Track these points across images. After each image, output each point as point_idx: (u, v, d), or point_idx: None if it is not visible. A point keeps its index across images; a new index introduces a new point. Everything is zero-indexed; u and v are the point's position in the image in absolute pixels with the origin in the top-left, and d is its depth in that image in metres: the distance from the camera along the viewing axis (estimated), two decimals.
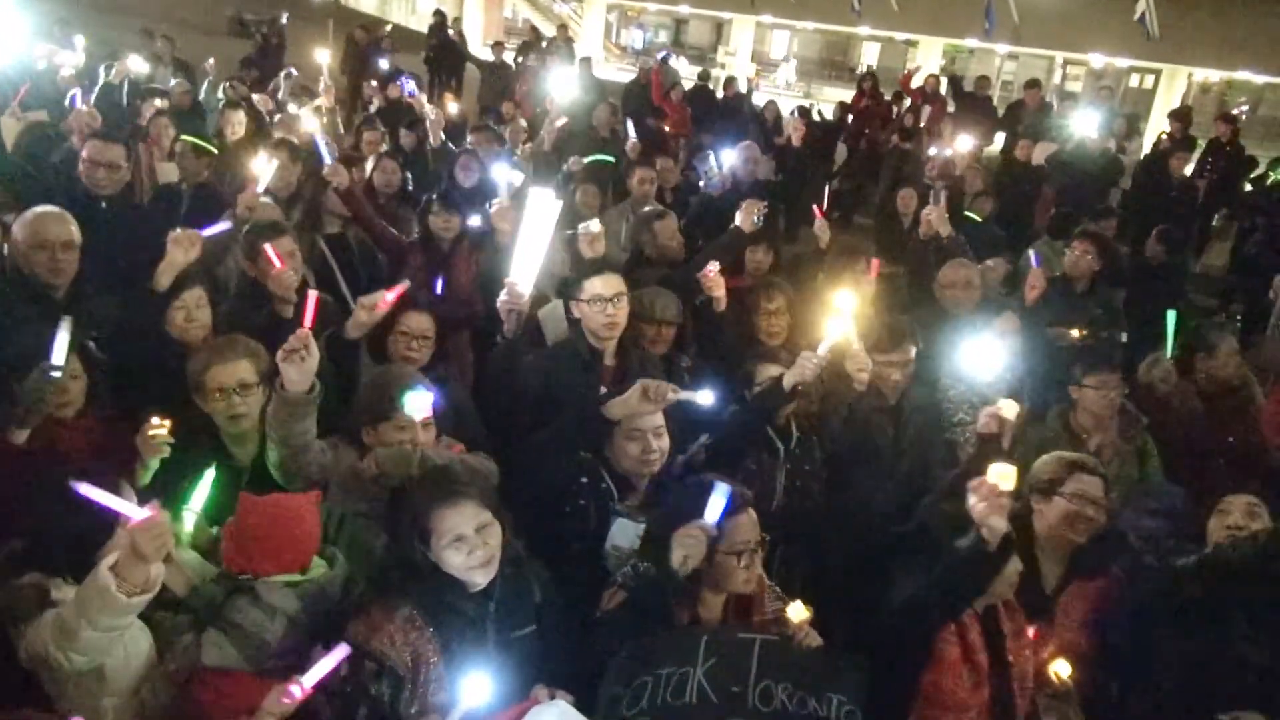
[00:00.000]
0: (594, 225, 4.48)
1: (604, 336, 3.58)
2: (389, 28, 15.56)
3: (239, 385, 2.95)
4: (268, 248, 3.67)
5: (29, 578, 2.32)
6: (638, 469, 3.00)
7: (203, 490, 2.73)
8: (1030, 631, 2.88)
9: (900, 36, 28.94)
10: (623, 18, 37.07)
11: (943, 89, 13.82)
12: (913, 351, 3.82)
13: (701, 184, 6.06)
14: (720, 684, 2.46)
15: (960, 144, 8.36)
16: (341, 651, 2.14)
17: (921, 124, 12.38)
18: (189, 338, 3.47)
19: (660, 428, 3.01)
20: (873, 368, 3.48)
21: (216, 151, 5.84)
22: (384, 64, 11.42)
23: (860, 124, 12.85)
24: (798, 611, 2.59)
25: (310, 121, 6.48)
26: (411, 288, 4.74)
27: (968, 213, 7.14)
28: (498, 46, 14.47)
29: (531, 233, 3.28)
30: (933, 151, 9.03)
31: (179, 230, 3.60)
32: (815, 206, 5.96)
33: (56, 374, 2.70)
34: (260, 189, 4.49)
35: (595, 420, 2.95)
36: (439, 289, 4.79)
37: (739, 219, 4.76)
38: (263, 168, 4.59)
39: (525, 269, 3.30)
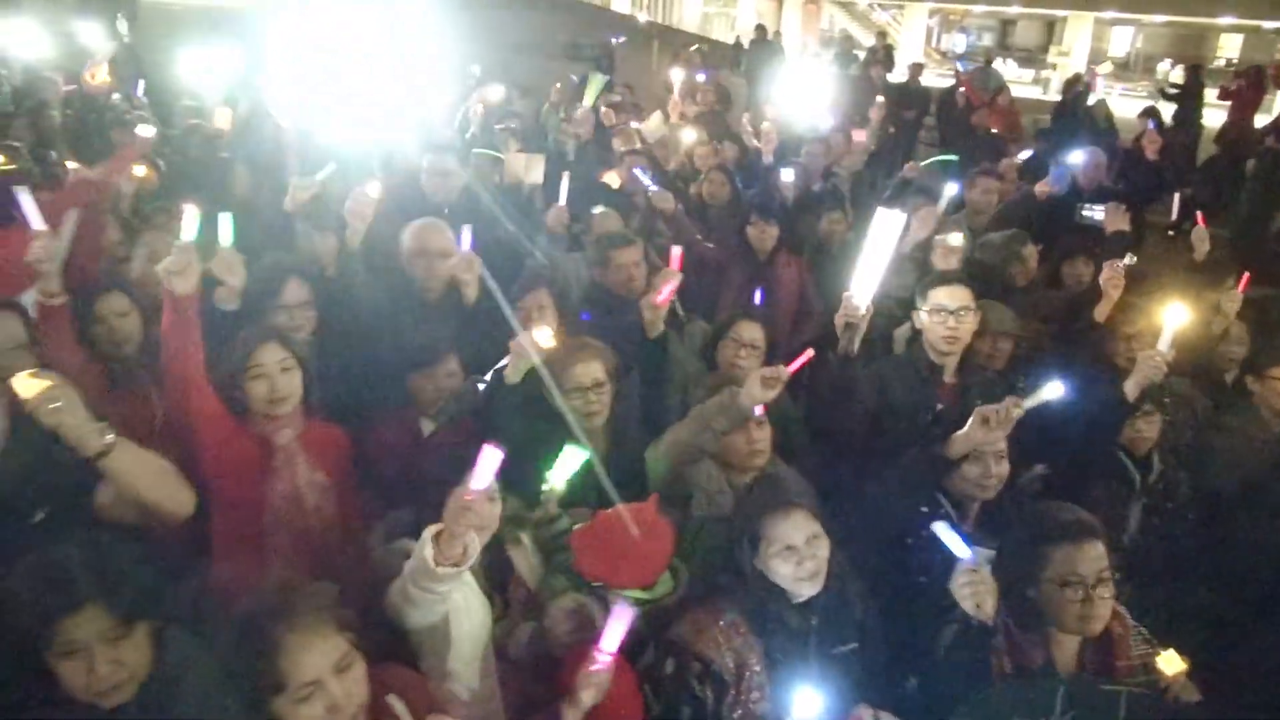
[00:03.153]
0: (954, 239, 4.31)
1: (944, 350, 3.43)
2: (703, 46, 16.19)
3: (594, 383, 3.13)
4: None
5: (400, 543, 2.61)
6: (973, 492, 2.83)
7: (565, 466, 2.76)
8: None
9: (1269, 25, 25.54)
10: (944, 22, 35.61)
11: None
12: None
13: (1042, 185, 5.75)
14: None
15: None
16: (627, 614, 2.12)
17: None
18: None
19: (1002, 452, 2.82)
20: (1262, 389, 3.12)
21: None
22: (701, 78, 11.77)
23: (1238, 124, 11.49)
24: (1171, 663, 2.30)
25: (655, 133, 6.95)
26: (737, 299, 4.88)
27: None
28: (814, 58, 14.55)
29: (873, 248, 3.19)
30: None
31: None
32: (1199, 213, 5.32)
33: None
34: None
35: (939, 462, 2.79)
36: (759, 300, 4.84)
37: (1109, 223, 4.43)
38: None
39: (864, 284, 3.24)
